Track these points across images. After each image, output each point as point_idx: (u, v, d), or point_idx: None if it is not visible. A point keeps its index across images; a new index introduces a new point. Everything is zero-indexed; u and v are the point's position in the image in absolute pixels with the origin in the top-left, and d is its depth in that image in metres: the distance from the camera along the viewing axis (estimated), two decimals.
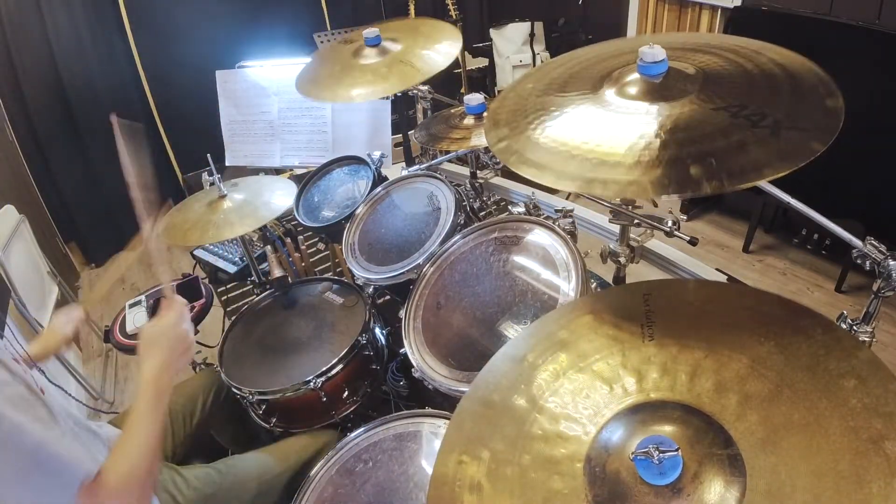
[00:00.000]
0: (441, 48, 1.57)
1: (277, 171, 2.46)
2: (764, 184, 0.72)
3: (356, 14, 4.12)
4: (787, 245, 3.00)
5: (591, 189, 0.76)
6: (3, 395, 0.77)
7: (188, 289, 1.77)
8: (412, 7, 3.91)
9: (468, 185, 1.74)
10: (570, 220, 1.27)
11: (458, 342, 1.19)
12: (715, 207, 3.39)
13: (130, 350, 1.63)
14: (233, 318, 1.63)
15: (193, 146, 2.99)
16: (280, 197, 1.63)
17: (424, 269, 1.33)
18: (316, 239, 2.21)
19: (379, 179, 1.69)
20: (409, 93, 1.92)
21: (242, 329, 1.58)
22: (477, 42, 4.57)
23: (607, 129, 0.82)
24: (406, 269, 1.36)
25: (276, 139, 2.36)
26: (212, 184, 1.62)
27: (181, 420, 1.41)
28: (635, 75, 0.86)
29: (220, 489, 1.21)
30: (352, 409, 1.45)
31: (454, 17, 3.92)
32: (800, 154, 0.68)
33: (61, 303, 2.77)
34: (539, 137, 0.86)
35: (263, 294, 1.67)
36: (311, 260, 2.15)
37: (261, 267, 1.87)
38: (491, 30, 4.42)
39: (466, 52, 4.43)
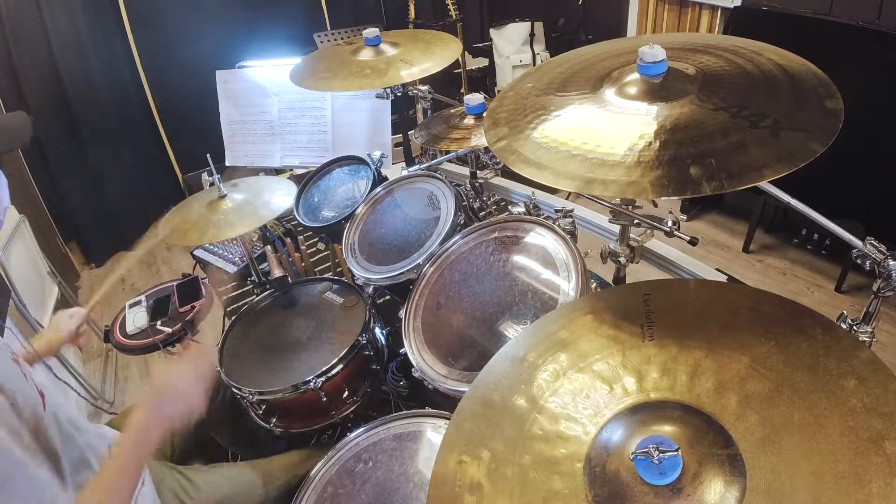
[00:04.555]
0: (440, 52, 1.60)
1: (277, 171, 2.46)
2: (764, 184, 0.72)
3: (356, 14, 4.12)
4: (787, 245, 3.00)
5: (590, 189, 0.76)
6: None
7: (188, 288, 1.77)
8: (412, 7, 3.90)
9: (468, 185, 1.74)
10: (570, 220, 1.27)
11: (457, 342, 1.19)
12: (715, 207, 3.39)
13: (130, 350, 1.63)
14: (233, 318, 1.62)
15: (193, 146, 3.00)
16: (280, 197, 1.62)
17: (424, 269, 1.33)
18: (316, 239, 2.21)
19: (379, 179, 1.69)
20: (409, 93, 1.92)
21: (242, 329, 1.58)
22: (477, 42, 4.57)
23: (607, 129, 0.82)
24: (406, 269, 1.36)
25: (276, 139, 2.36)
26: (212, 184, 1.62)
27: None
28: (635, 75, 0.86)
29: (227, 495, 1.21)
30: (352, 409, 1.45)
31: (454, 17, 3.92)
32: (799, 155, 0.69)
33: (61, 303, 2.77)
34: (539, 137, 0.86)
35: (263, 294, 1.67)
36: (311, 260, 2.15)
37: (261, 267, 1.87)
38: (491, 30, 4.42)
39: (466, 52, 4.42)
